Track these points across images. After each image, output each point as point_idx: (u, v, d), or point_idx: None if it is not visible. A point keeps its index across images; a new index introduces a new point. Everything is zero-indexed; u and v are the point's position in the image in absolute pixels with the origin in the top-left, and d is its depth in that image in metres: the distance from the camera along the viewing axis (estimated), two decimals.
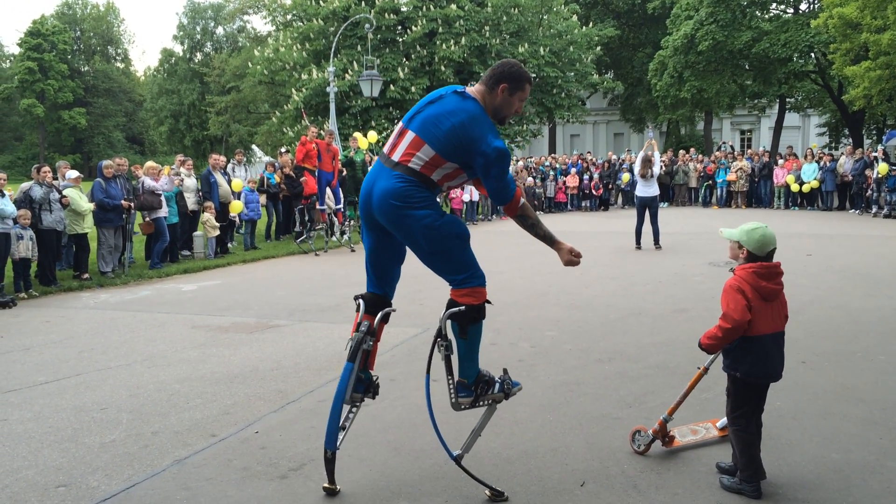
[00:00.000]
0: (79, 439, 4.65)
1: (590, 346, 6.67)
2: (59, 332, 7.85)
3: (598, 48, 33.46)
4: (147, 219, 12.04)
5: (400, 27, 28.79)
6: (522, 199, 3.84)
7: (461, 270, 3.65)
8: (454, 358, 3.75)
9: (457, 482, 3.90)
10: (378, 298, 3.91)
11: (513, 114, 3.76)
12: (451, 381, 3.75)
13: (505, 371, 3.96)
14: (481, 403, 3.83)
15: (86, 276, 10.96)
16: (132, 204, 11.53)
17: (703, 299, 8.56)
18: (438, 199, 3.83)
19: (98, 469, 4.18)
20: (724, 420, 4.24)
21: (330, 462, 3.77)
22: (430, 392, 3.80)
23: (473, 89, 3.71)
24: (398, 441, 4.46)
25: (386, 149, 3.73)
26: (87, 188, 11.53)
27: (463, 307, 3.63)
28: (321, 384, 5.68)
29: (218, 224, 13.53)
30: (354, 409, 4.00)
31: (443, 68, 27.99)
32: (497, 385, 3.85)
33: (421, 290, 9.33)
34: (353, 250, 14.47)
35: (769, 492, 3.69)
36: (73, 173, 11.36)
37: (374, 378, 4.00)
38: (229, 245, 14.61)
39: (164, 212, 12.22)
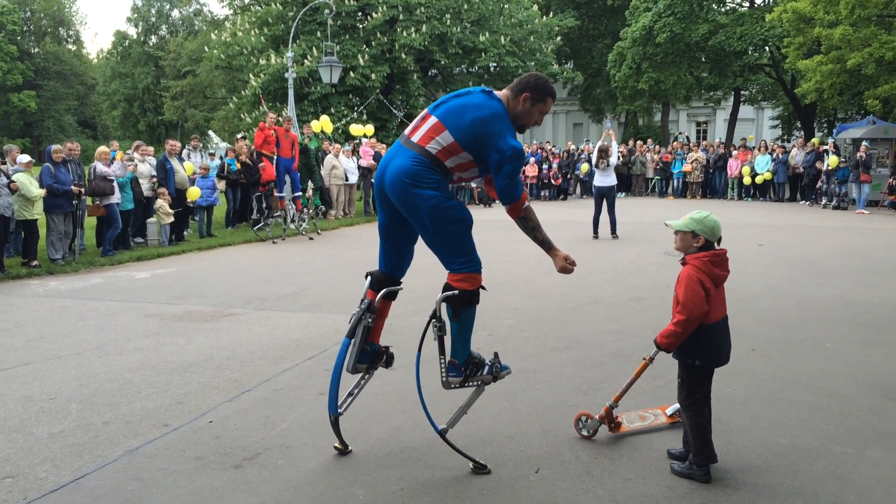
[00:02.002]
0: (26, 429, 4.55)
1: (547, 334, 6.73)
2: (7, 320, 7.64)
3: (559, 38, 33.57)
4: (97, 203, 11.77)
5: (360, 13, 28.52)
6: (527, 203, 3.94)
7: (460, 255, 3.78)
8: (447, 339, 3.88)
9: (413, 471, 3.91)
10: (386, 277, 4.08)
11: (532, 124, 3.94)
12: (442, 361, 3.89)
13: (495, 354, 4.07)
14: (470, 384, 3.97)
15: (35, 263, 10.69)
16: (82, 189, 11.27)
17: (657, 288, 8.69)
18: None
19: (46, 460, 4.09)
20: (674, 407, 4.32)
21: (335, 425, 4.09)
22: (419, 368, 3.92)
23: (500, 92, 3.88)
24: (355, 430, 4.44)
25: (407, 131, 3.89)
26: (36, 173, 11.23)
27: (457, 291, 3.76)
28: (277, 373, 5.64)
29: (172, 211, 13.30)
30: (366, 377, 4.25)
31: (403, 56, 27.84)
32: (486, 367, 3.99)
33: None
34: (311, 238, 14.37)
35: (718, 476, 3.77)
36: (25, 157, 11.05)
37: (384, 349, 4.24)
38: (185, 232, 14.38)
39: (116, 198, 11.96)
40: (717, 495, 3.59)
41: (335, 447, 4.14)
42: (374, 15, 27.65)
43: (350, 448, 4.17)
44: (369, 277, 4.10)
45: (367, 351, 4.12)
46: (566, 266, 3.94)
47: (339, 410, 4.08)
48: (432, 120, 3.78)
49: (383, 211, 3.96)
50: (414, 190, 3.67)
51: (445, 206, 3.69)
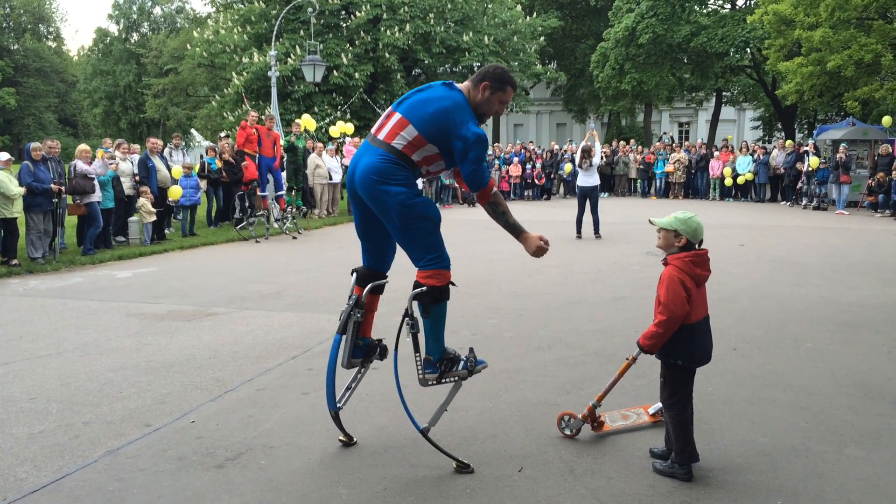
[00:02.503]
0: (6, 430, 4.50)
1: (530, 333, 6.75)
2: None
3: (542, 38, 33.69)
4: (78, 202, 11.67)
5: (344, 12, 28.43)
6: (495, 188, 4.00)
7: (428, 251, 3.81)
8: (421, 337, 3.90)
9: (396, 470, 3.91)
10: (371, 273, 4.15)
11: (493, 113, 3.96)
12: (418, 359, 3.91)
13: (471, 350, 4.10)
14: (446, 380, 3.99)
15: (14, 262, 10.58)
16: (62, 187, 11.15)
17: (640, 287, 8.74)
18: (420, 183, 3.98)
19: (26, 460, 4.06)
20: (657, 406, 4.35)
21: (336, 419, 4.16)
22: (398, 370, 3.94)
23: (461, 84, 3.94)
24: (338, 429, 4.43)
25: (373, 130, 3.95)
26: (16, 171, 11.11)
27: (424, 288, 3.79)
28: (260, 372, 5.61)
29: (154, 209, 13.21)
30: (362, 371, 4.31)
31: (387, 55, 27.80)
32: (461, 363, 4.01)
33: None
34: (294, 237, 14.32)
35: (700, 475, 3.79)
36: (4, 155, 10.92)
37: (377, 341, 4.28)
38: (167, 231, 14.28)
39: (97, 196, 11.86)
40: (699, 494, 3.62)
41: (339, 440, 4.23)
42: (358, 14, 27.58)
43: (355, 439, 4.25)
44: (355, 274, 4.16)
45: (360, 345, 4.17)
46: (541, 246, 3.97)
47: (337, 405, 4.13)
48: (396, 116, 3.84)
49: (357, 210, 4.03)
50: (382, 187, 3.72)
51: (412, 203, 3.73)
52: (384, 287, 4.21)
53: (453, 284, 3.91)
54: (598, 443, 4.25)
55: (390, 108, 3.96)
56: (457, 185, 4.76)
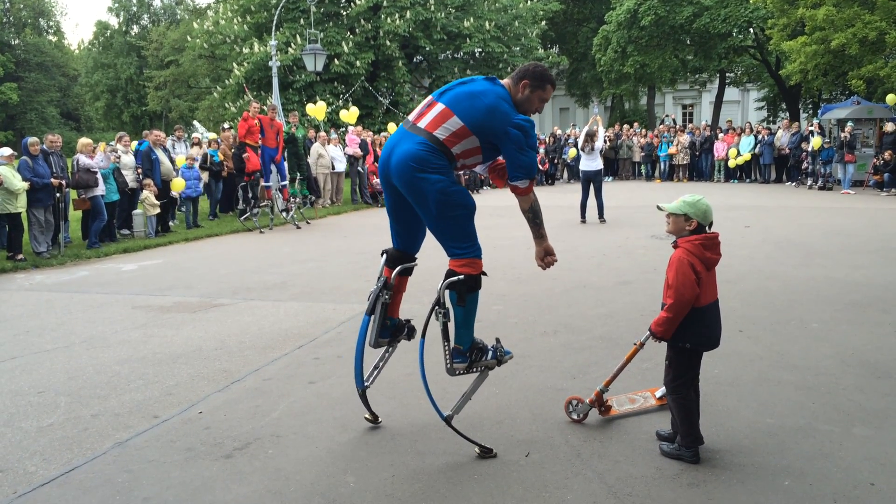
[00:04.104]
0: (15, 424, 4.53)
1: (535, 319, 6.74)
2: None
3: (543, 23, 33.51)
4: (83, 196, 11.69)
5: (344, 0, 28.33)
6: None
7: (463, 240, 3.83)
8: (450, 325, 3.91)
9: (403, 457, 3.92)
10: (400, 254, 4.18)
11: (532, 111, 3.96)
12: (446, 348, 3.92)
13: (497, 340, 4.13)
14: (475, 369, 4.03)
15: (20, 256, 10.61)
16: (62, 181, 11.15)
17: (645, 271, 8.72)
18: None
19: (36, 454, 4.08)
20: (663, 389, 4.34)
21: (363, 397, 4.27)
22: (423, 356, 3.95)
23: (502, 80, 3.96)
24: (345, 418, 4.45)
25: (411, 117, 3.94)
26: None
27: (462, 276, 3.80)
28: (267, 362, 5.63)
29: (158, 202, 13.22)
30: (390, 350, 4.39)
31: (388, 42, 27.72)
32: (490, 352, 4.05)
33: (367, 266, 9.31)
34: (298, 227, 14.32)
35: (707, 457, 3.80)
36: (6, 150, 10.92)
37: (405, 322, 4.35)
38: (171, 223, 14.30)
39: (100, 190, 11.87)
40: (706, 475, 3.62)
41: (365, 418, 4.31)
42: (358, 1, 27.47)
43: (380, 420, 4.33)
44: (384, 255, 4.19)
45: (388, 326, 4.22)
46: (549, 259, 4.12)
47: (365, 384, 4.23)
48: (439, 107, 3.82)
49: (389, 194, 4.03)
50: (421, 174, 3.70)
51: (451, 191, 3.74)
52: (413, 269, 4.24)
53: (485, 274, 3.93)
54: (604, 427, 4.26)
55: (431, 97, 3.94)
56: (491, 180, 4.76)
